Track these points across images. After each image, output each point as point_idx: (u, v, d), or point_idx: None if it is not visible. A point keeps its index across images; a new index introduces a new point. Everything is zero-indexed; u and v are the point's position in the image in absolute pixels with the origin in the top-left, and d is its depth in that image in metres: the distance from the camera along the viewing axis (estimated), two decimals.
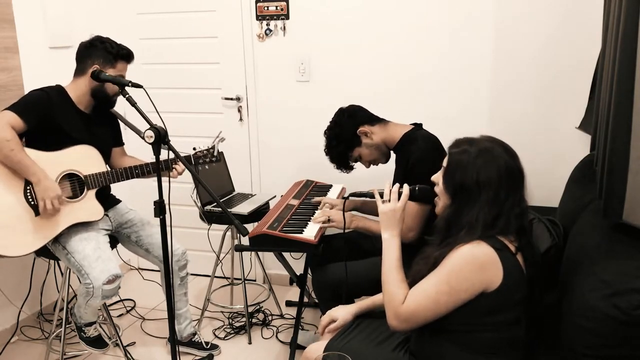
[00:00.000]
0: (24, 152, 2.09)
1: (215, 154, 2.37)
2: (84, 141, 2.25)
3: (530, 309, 1.51)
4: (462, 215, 1.45)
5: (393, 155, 2.31)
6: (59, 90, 2.25)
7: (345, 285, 2.02)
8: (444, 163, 1.52)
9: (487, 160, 1.43)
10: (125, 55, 2.29)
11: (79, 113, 2.28)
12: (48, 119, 2.17)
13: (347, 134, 2.24)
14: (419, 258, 1.55)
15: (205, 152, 2.37)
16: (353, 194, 1.85)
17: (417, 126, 2.28)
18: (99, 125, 2.37)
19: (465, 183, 1.44)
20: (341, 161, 2.32)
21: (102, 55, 2.23)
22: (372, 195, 1.74)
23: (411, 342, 1.59)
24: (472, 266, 1.38)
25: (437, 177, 1.56)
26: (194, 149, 2.38)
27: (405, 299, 1.46)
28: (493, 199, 1.41)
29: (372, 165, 2.34)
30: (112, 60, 2.25)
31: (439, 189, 1.55)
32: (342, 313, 1.77)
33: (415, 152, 2.09)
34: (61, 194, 2.13)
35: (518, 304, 1.45)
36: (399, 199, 1.63)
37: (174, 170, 2.30)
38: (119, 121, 2.51)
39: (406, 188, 1.66)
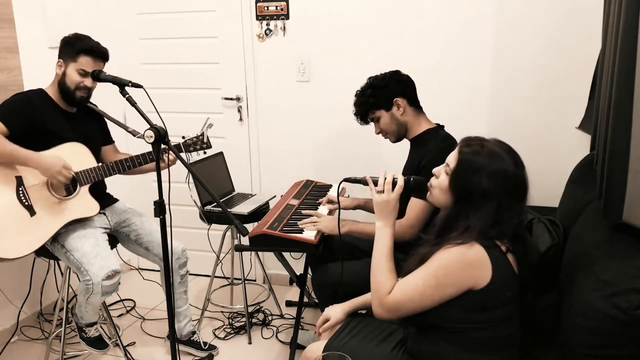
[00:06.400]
0: (10, 143, 2.09)
1: (205, 140, 2.39)
2: (71, 139, 2.25)
3: (524, 312, 1.51)
4: (461, 219, 1.45)
5: (405, 147, 2.31)
6: (39, 92, 2.26)
7: (340, 285, 2.03)
8: (452, 160, 1.50)
9: (497, 169, 1.41)
10: (87, 49, 2.23)
11: (62, 112, 2.29)
12: (32, 121, 2.17)
13: (385, 93, 2.22)
14: (411, 254, 1.55)
15: (194, 139, 2.39)
16: (347, 179, 1.84)
17: (440, 126, 2.29)
18: (84, 123, 2.37)
19: (473, 189, 1.43)
20: (362, 109, 2.29)
21: (65, 50, 2.24)
22: (365, 182, 1.72)
23: (409, 342, 1.59)
24: (460, 264, 1.39)
25: (439, 171, 1.55)
26: (183, 137, 2.38)
27: (392, 289, 1.49)
28: (495, 208, 1.41)
29: (381, 134, 2.32)
30: (73, 55, 2.23)
31: (440, 183, 1.53)
32: (335, 312, 1.79)
33: (428, 155, 2.10)
34: (64, 162, 2.14)
35: (510, 302, 1.45)
36: (393, 189, 1.63)
37: (165, 159, 2.29)
38: (106, 119, 2.51)
39: (401, 179, 1.66)
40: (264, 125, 3.18)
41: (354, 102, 2.30)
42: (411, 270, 1.48)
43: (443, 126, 2.29)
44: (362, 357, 1.55)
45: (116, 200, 2.56)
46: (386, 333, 1.67)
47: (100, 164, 2.29)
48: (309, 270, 2.54)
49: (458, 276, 1.39)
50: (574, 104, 2.60)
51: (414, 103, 2.27)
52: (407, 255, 1.58)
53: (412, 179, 1.69)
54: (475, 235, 1.40)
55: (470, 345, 1.45)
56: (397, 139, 2.32)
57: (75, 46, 2.23)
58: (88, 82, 2.26)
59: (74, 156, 2.24)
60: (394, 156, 2.45)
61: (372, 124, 2.33)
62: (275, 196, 2.91)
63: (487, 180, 1.41)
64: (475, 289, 1.39)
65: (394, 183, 1.64)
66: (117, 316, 3.01)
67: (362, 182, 1.74)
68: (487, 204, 1.41)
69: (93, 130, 2.43)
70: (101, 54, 2.28)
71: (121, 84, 1.95)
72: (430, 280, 1.42)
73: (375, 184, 1.67)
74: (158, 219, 1.79)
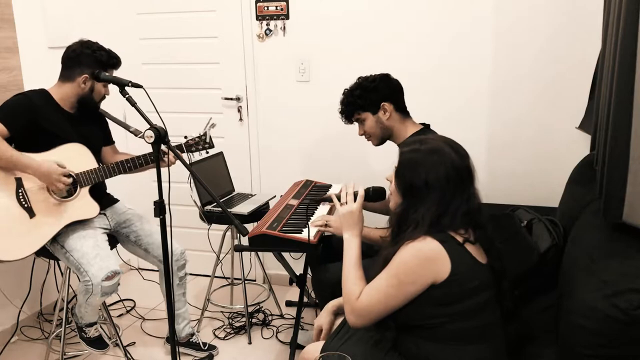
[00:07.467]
0: (12, 148, 2.09)
1: (208, 140, 2.38)
2: (72, 140, 2.25)
3: (501, 300, 1.53)
4: (410, 214, 1.48)
5: (393, 149, 2.32)
6: (41, 93, 2.25)
7: (327, 285, 2.06)
8: (396, 162, 1.56)
9: (435, 160, 1.46)
10: (114, 64, 2.28)
11: (63, 114, 2.28)
12: (33, 123, 2.16)
13: (373, 96, 2.22)
14: (376, 258, 1.57)
15: (197, 139, 2.38)
16: (315, 200, 2.02)
17: (426, 126, 2.29)
18: (85, 125, 2.36)
19: (415, 182, 1.47)
20: (349, 109, 2.29)
21: (92, 64, 2.22)
22: (330, 200, 1.82)
23: (397, 344, 1.60)
24: (418, 260, 1.41)
25: (390, 176, 1.60)
26: (185, 137, 2.38)
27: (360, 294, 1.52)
28: (440, 198, 1.45)
29: (364, 136, 2.33)
30: (102, 70, 2.23)
31: (391, 186, 1.58)
32: (323, 318, 1.83)
33: None
34: (61, 170, 2.14)
35: (479, 291, 1.46)
36: (355, 200, 1.71)
37: (165, 159, 2.29)
38: (107, 119, 2.51)
39: (361, 189, 1.74)
40: (264, 125, 3.18)
41: (340, 100, 2.31)
42: (377, 275, 1.50)
43: (429, 125, 2.30)
44: (359, 358, 1.55)
45: (117, 200, 2.56)
46: (381, 334, 1.67)
47: (101, 165, 2.29)
48: (309, 270, 2.54)
49: (418, 273, 1.42)
50: (574, 104, 2.60)
51: (401, 109, 2.27)
52: None
53: (371, 189, 1.80)
54: (427, 229, 1.43)
55: (449, 338, 1.46)
56: (379, 142, 2.33)
57: (103, 62, 2.23)
58: (108, 90, 2.32)
59: (75, 157, 2.24)
60: (394, 156, 2.45)
61: (356, 124, 2.34)
62: (275, 196, 2.91)
63: (427, 171, 1.45)
64: (437, 283, 1.42)
65: (355, 195, 1.72)
66: (117, 316, 3.01)
67: (327, 199, 1.88)
68: (431, 195, 1.45)
69: (94, 130, 2.43)
70: (120, 65, 2.32)
71: (121, 84, 1.95)
72: (392, 280, 1.45)
73: (339, 198, 1.76)
74: (158, 219, 1.79)
